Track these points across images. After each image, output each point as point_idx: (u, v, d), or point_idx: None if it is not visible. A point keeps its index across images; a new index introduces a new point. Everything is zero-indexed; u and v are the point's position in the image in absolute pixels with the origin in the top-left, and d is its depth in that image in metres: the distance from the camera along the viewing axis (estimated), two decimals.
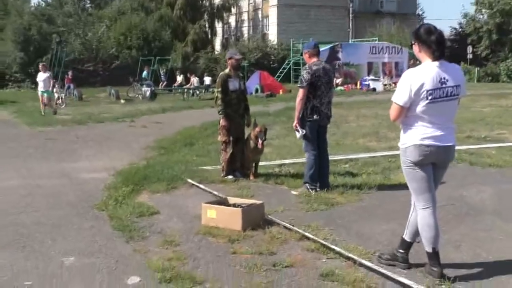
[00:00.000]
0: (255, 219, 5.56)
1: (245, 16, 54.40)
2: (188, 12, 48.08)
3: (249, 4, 52.96)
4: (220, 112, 7.71)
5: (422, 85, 4.04)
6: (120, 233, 5.41)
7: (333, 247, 4.85)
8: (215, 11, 50.98)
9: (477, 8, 39.96)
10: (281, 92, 28.49)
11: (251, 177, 7.78)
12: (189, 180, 7.58)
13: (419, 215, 4.24)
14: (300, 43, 39.11)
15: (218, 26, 54.15)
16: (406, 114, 4.16)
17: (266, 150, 9.99)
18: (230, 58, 7.97)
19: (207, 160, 9.16)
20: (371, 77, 33.14)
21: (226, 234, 5.28)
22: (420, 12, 64.68)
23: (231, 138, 7.84)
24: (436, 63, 4.09)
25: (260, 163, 8.42)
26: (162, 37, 40.28)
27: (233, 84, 7.82)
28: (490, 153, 9.45)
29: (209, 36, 50.58)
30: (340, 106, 18.25)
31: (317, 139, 7.05)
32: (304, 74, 6.89)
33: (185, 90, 27.33)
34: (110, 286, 4.14)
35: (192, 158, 9.45)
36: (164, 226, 5.66)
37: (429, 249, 4.20)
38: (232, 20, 55.78)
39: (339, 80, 32.23)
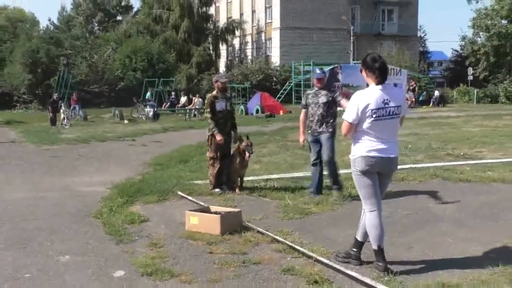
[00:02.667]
0: (233, 225, 6.20)
1: (248, 39, 55.45)
2: (193, 35, 49.18)
3: (252, 27, 54.04)
4: (213, 130, 8.36)
5: (367, 105, 4.73)
6: (112, 237, 6.07)
7: (298, 248, 5.49)
8: (219, 33, 52.11)
9: (475, 31, 40.76)
10: (281, 113, 29.19)
11: (237, 191, 8.42)
12: (179, 193, 8.25)
13: (367, 217, 4.90)
14: (301, 65, 40.10)
15: (222, 48, 55.21)
16: (355, 130, 4.83)
17: (256, 167, 10.73)
18: (216, 81, 8.65)
19: (199, 175, 9.80)
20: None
21: (206, 238, 5.93)
22: (422, 35, 65.85)
23: (218, 154, 8.47)
24: (380, 86, 4.78)
25: (248, 178, 9.11)
26: (167, 59, 41.27)
27: (220, 105, 8.46)
28: (464, 170, 10.05)
29: (213, 58, 51.57)
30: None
31: (317, 151, 8.05)
32: (302, 99, 8.25)
33: (188, 110, 28.11)
34: (98, 278, 4.80)
35: (185, 174, 10.11)
36: (151, 232, 6.31)
37: (375, 246, 4.85)
38: (236, 42, 56.84)
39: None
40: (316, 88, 8.03)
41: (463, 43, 47.67)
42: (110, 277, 4.84)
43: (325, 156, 7.95)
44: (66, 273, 4.92)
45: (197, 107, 28.15)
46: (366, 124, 4.77)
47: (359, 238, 5.05)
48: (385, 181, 5.00)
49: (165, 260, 5.23)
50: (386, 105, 4.76)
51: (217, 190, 8.40)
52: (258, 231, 6.13)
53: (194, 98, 29.60)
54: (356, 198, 7.65)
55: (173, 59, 43.93)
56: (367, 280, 4.55)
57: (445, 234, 6.13)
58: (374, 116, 4.73)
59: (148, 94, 30.25)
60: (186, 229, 6.29)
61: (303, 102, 8.17)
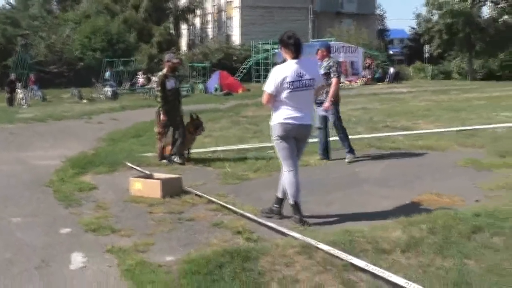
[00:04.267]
0: (174, 189, 6.81)
1: (209, 18, 55.60)
2: (153, 14, 49.03)
3: (213, 6, 54.18)
4: (160, 108, 8.94)
5: (284, 78, 5.38)
6: (61, 202, 6.62)
7: (228, 206, 6.15)
8: (179, 13, 52.08)
9: (428, 9, 41.86)
10: (240, 91, 29.74)
11: (185, 162, 9.00)
12: (128, 164, 8.81)
13: (285, 176, 5.58)
14: (260, 43, 40.62)
15: (184, 27, 55.25)
16: (275, 100, 5.48)
17: (206, 140, 11.34)
18: (168, 61, 9.12)
19: (149, 148, 10.33)
20: None
21: (148, 201, 6.53)
22: (381, 13, 67.00)
23: (166, 130, 9.07)
24: (296, 60, 5.44)
25: (197, 150, 9.76)
26: (127, 39, 41.20)
27: (170, 84, 8.99)
28: (397, 139, 10.88)
29: (175, 37, 51.59)
30: None
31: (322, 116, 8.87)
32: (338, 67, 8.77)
33: (146, 90, 28.41)
34: (46, 234, 5.37)
35: (137, 147, 10.66)
36: (99, 197, 6.88)
37: (292, 201, 5.54)
38: (197, 21, 56.90)
39: None
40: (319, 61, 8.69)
41: (415, 22, 48.96)
42: (57, 233, 5.42)
43: (330, 124, 8.90)
44: (18, 231, 5.48)
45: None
46: (284, 95, 5.41)
47: (279, 195, 5.73)
48: (301, 146, 5.68)
49: (108, 220, 5.82)
50: (301, 78, 5.41)
51: (164, 161, 8.99)
52: (196, 194, 6.76)
53: (152, 77, 29.84)
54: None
55: (134, 38, 43.80)
56: (283, 230, 5.23)
57: (365, 193, 6.89)
58: (290, 87, 5.38)
59: (107, 74, 30.38)
60: (131, 194, 6.88)
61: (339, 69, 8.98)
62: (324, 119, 8.88)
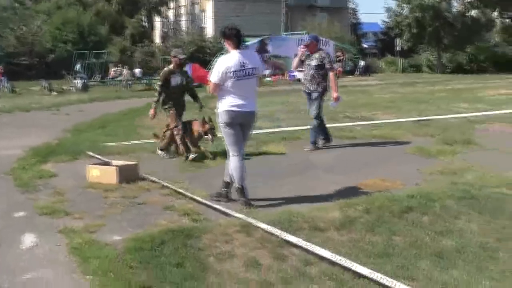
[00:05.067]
0: (130, 176, 7.07)
1: (183, 10, 55.56)
2: (126, 7, 48.93)
3: None
4: (152, 103, 8.77)
5: (228, 68, 5.68)
6: (20, 189, 6.83)
7: (180, 190, 6.44)
8: (152, 5, 51.98)
9: (398, 3, 42.49)
10: None
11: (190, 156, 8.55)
12: (89, 153, 9.02)
13: (231, 161, 5.89)
14: None
15: (157, 20, 55.16)
16: (220, 88, 5.77)
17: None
18: (174, 57, 8.80)
19: (113, 139, 10.58)
20: (298, 68, 34.99)
21: (104, 187, 6.76)
22: (354, 6, 67.62)
23: (178, 122, 8.72)
24: (238, 51, 5.74)
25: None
26: (98, 31, 41.04)
27: (175, 80, 8.65)
28: (354, 129, 11.27)
29: (148, 30, 51.51)
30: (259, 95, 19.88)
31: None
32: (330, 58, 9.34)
33: (117, 82, 28.49)
34: (0, 218, 5.60)
35: (101, 138, 10.84)
36: (57, 184, 7.09)
37: (238, 185, 5.86)
38: (170, 14, 56.83)
39: (267, 72, 34.01)
40: (308, 53, 9.13)
41: (385, 15, 49.68)
42: (10, 217, 5.65)
43: (312, 112, 9.21)
44: None
45: (126, 78, 28.54)
46: (228, 84, 5.72)
47: (226, 179, 6.04)
48: (246, 132, 5.99)
49: (63, 204, 6.06)
50: (244, 67, 5.72)
51: (191, 155, 8.48)
52: (151, 180, 7.03)
53: (123, 69, 29.94)
54: (252, 155, 8.82)
55: (106, 31, 43.66)
56: (228, 211, 5.54)
57: (314, 179, 7.23)
58: (234, 76, 5.68)
59: (78, 66, 30.34)
60: (88, 181, 7.11)
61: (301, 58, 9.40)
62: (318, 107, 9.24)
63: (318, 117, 9.20)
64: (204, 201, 5.97)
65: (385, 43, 58.24)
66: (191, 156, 8.47)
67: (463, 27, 40.88)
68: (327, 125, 9.72)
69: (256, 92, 6.04)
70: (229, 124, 5.80)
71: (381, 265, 4.18)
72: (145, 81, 30.20)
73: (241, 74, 5.70)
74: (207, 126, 8.62)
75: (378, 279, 3.84)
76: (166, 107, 8.78)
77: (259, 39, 36.26)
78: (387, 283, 3.79)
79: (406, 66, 46.14)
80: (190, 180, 7.21)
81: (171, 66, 8.84)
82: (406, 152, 8.85)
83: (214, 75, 5.73)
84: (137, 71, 31.46)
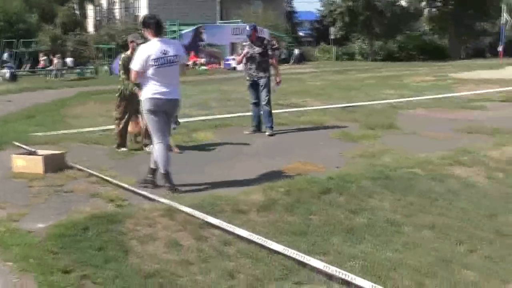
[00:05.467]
0: (57, 165, 7.04)
1: None
2: None
3: None
4: (134, 88, 7.95)
5: (149, 56, 5.78)
6: None
7: (106, 178, 6.49)
8: None
9: None
10: None
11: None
12: (16, 143, 8.88)
13: (155, 148, 6.01)
14: (167, 24, 40.40)
15: (90, 8, 53.79)
16: (143, 76, 5.87)
17: (100, 119, 11.53)
18: (132, 42, 8.30)
19: (41, 129, 10.42)
20: (233, 56, 35.19)
21: (30, 177, 6.71)
22: None
23: (124, 115, 8.43)
24: (157, 39, 5.85)
25: (90, 128, 9.98)
26: (27, 19, 39.71)
27: None
28: (283, 116, 11.56)
29: (79, 18, 50.21)
30: (191, 83, 19.96)
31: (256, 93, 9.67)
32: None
33: (48, 71, 27.78)
34: None
35: (29, 128, 10.67)
36: None
37: (163, 171, 5.98)
38: (104, 1, 55.53)
39: (203, 60, 34.04)
40: (249, 41, 9.41)
41: (319, 4, 50.59)
42: None
43: (264, 99, 9.51)
44: None
45: (57, 67, 27.88)
46: (150, 71, 5.82)
47: (151, 165, 6.15)
48: (169, 119, 6.12)
49: None
50: (165, 55, 5.83)
51: (123, 149, 8.44)
52: (78, 169, 7.04)
53: (54, 58, 29.20)
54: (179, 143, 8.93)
55: (35, 19, 42.28)
56: (152, 196, 5.66)
57: (241, 164, 7.43)
58: (156, 64, 5.79)
59: (6, 55, 29.35)
60: (14, 171, 7.04)
61: (240, 50, 9.92)
62: (256, 94, 9.57)
63: (270, 102, 9.58)
64: (130, 187, 6.06)
65: (320, 31, 59.08)
66: (123, 149, 8.42)
67: (392, 16, 42.14)
68: (244, 114, 10.04)
69: (179, 80, 6.15)
70: (153, 112, 5.91)
71: (296, 242, 4.43)
72: (77, 70, 29.54)
73: (163, 61, 5.81)
74: None
75: (291, 255, 4.09)
76: (121, 93, 8.41)
77: (194, 27, 36.17)
78: (300, 258, 4.04)
79: (340, 54, 47.06)
80: (118, 168, 7.26)
81: (128, 52, 8.38)
82: (330, 137, 9.20)
83: (136, 63, 5.82)
84: (69, 60, 30.71)
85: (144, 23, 5.90)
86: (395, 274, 3.88)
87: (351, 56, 47.13)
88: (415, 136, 9.16)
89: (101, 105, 14.32)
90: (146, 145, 8.29)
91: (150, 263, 4.09)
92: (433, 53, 43.58)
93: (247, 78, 9.71)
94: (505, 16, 34.92)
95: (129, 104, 8.34)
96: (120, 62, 8.52)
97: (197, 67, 33.22)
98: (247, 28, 9.82)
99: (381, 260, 4.08)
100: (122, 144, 8.51)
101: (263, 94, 9.53)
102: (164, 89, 5.86)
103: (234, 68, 32.87)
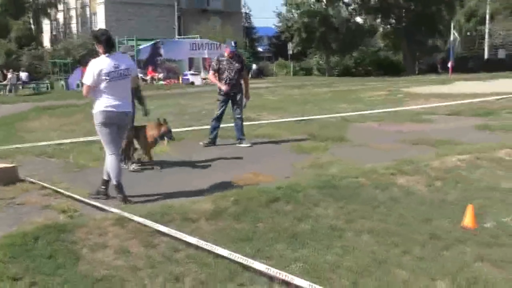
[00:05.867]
0: (8, 178, 7.05)
1: (73, 13, 54.06)
2: (10, 8, 46.85)
3: (76, 1, 52.73)
4: None
5: (101, 70, 5.93)
6: None
7: (58, 190, 6.56)
8: (40, 7, 50.16)
9: (288, 8, 44.12)
10: None
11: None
12: None
13: (108, 159, 6.14)
14: (125, 40, 40.33)
15: (46, 22, 53.27)
16: (95, 90, 6.01)
17: (53, 134, 11.52)
18: (123, 53, 7.85)
19: None
20: (192, 71, 35.45)
21: None
22: (247, 11, 68.97)
23: None
24: (107, 54, 6.01)
25: (41, 143, 9.96)
26: None
27: None
28: None
29: (35, 32, 49.63)
30: (149, 98, 19.95)
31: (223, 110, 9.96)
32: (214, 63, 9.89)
33: (2, 86, 27.39)
34: None
35: None
36: None
37: (115, 182, 6.11)
38: (60, 16, 55.08)
39: (161, 75, 34.10)
40: (226, 57, 9.66)
41: (276, 20, 51.46)
42: None
43: (239, 113, 9.92)
44: None
45: (11, 82, 27.51)
46: (102, 85, 5.97)
47: (104, 177, 6.27)
48: (121, 131, 6.26)
49: None
50: (117, 69, 6.01)
51: (133, 166, 8.05)
52: (31, 182, 7.09)
53: (7, 73, 28.80)
54: None
55: None
56: (105, 207, 5.78)
57: (194, 175, 7.61)
58: (107, 78, 5.94)
59: None
60: None
61: (215, 66, 9.75)
62: (224, 109, 9.91)
63: (242, 116, 10.00)
64: (82, 198, 6.15)
65: (278, 47, 59.96)
66: (133, 167, 8.00)
67: (348, 32, 43.15)
68: (198, 128, 10.19)
69: (130, 93, 6.30)
70: (105, 124, 6.04)
71: (242, 248, 4.63)
72: (32, 85, 29.19)
73: (115, 75, 5.97)
74: (163, 128, 8.09)
75: (236, 259, 4.28)
76: None
77: (151, 42, 36.22)
78: (243, 262, 4.23)
79: (297, 69, 47.88)
80: (72, 180, 7.34)
81: None
82: (283, 149, 9.46)
83: (88, 78, 5.96)
84: (23, 75, 30.33)
85: (95, 38, 6.07)
86: (333, 275, 4.11)
87: (308, 71, 47.99)
88: (363, 147, 9.50)
89: (56, 120, 14.30)
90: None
91: (100, 269, 4.22)
92: (388, 69, 44.78)
93: (222, 93, 9.79)
94: (453, 33, 36.16)
95: None
96: None
97: (155, 82, 33.26)
98: (232, 44, 10.00)
99: (321, 263, 4.31)
100: (128, 159, 8.07)
101: (239, 109, 9.88)
102: (116, 102, 6.01)
103: (193, 83, 33.15)
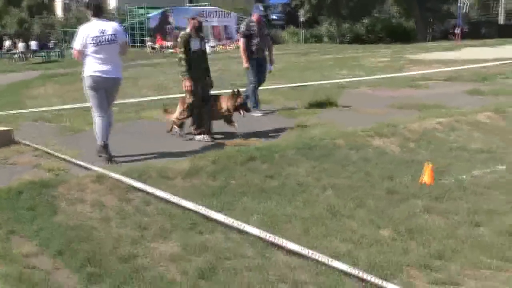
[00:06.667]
0: (4, 141, 7.42)
1: None
2: None
3: None
4: (184, 74, 7.48)
5: (88, 35, 6.23)
6: None
7: (49, 151, 6.93)
8: None
9: None
10: None
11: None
12: None
13: (96, 121, 6.49)
14: (135, 8, 40.46)
15: None
16: (84, 55, 6.31)
17: (54, 100, 11.88)
18: (193, 19, 7.81)
19: None
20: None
21: None
22: None
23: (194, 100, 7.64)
24: (96, 18, 6.29)
25: (41, 109, 10.31)
26: None
27: (195, 44, 7.62)
28: None
29: (47, 1, 49.80)
30: (156, 66, 20.31)
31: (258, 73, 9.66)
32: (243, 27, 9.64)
33: (11, 54, 27.83)
34: None
35: None
36: None
37: (101, 142, 6.46)
38: None
39: (170, 43, 34.26)
40: (255, 22, 9.49)
41: None
42: None
43: (264, 78, 9.85)
44: None
45: (21, 50, 27.92)
46: (90, 50, 6.29)
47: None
48: (111, 96, 6.56)
49: None
50: (103, 33, 6.29)
51: (198, 137, 7.72)
52: (25, 144, 7.46)
53: (17, 42, 29.20)
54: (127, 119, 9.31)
55: (2, 2, 41.98)
56: (89, 165, 6.13)
57: (182, 139, 7.88)
58: (94, 42, 6.24)
59: None
60: None
61: (246, 32, 9.44)
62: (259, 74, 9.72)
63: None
64: (69, 158, 6.51)
65: (290, 14, 59.50)
66: (205, 138, 7.63)
67: None
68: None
69: (119, 59, 6.56)
70: (93, 88, 6.38)
71: (211, 202, 4.96)
72: (43, 54, 29.58)
73: (101, 39, 6.27)
74: (238, 99, 7.88)
75: (199, 210, 4.62)
76: (184, 75, 7.53)
77: (161, 10, 36.30)
78: (205, 213, 4.57)
79: (308, 36, 47.63)
80: (64, 143, 7.67)
81: (187, 30, 7.74)
82: (274, 114, 9.72)
83: (77, 42, 6.30)
84: (33, 43, 30.73)
85: (86, 3, 6.39)
86: (288, 225, 4.43)
87: (319, 39, 47.73)
88: (351, 112, 9.74)
89: (59, 87, 14.68)
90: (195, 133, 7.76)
91: (74, 220, 4.59)
92: (400, 36, 44.31)
93: (253, 56, 9.46)
94: None
95: (198, 85, 7.62)
96: (179, 40, 7.70)
97: (164, 51, 33.46)
98: (260, 7, 10.02)
99: (280, 214, 4.64)
100: (204, 131, 7.74)
101: (264, 74, 9.85)
102: (103, 68, 6.31)
103: None
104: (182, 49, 7.53)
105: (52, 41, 35.00)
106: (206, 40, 8.91)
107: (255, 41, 9.49)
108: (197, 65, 7.63)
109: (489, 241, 3.97)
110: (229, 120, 7.94)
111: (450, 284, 3.39)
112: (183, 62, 7.50)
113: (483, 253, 3.78)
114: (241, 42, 9.54)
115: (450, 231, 4.17)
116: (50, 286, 3.46)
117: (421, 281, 3.46)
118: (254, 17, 9.63)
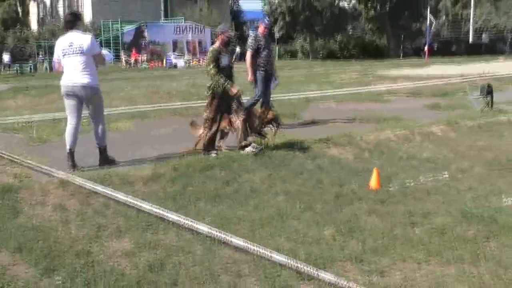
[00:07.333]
0: None
1: None
2: None
3: None
4: (225, 84, 7.31)
5: (59, 46, 6.72)
6: None
7: (16, 157, 7.13)
8: None
9: None
10: None
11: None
12: None
13: (67, 128, 6.78)
14: (109, 22, 40.64)
15: (33, 4, 53.35)
16: (60, 65, 6.67)
17: (25, 112, 12.04)
18: (221, 33, 7.62)
19: None
20: (175, 54, 35.90)
21: None
22: None
23: (217, 115, 7.52)
24: (68, 32, 6.65)
25: (13, 118, 10.45)
26: None
27: (224, 60, 7.49)
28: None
29: (21, 15, 49.75)
30: (128, 80, 20.52)
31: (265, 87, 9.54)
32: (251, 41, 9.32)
33: None
34: None
35: None
36: None
37: (68, 149, 6.71)
38: None
39: (144, 57, 34.53)
40: (261, 35, 9.35)
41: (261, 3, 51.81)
42: None
43: (270, 93, 9.78)
44: None
45: None
46: (62, 61, 6.70)
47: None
48: (92, 105, 6.87)
49: None
50: (71, 46, 6.63)
51: (213, 153, 7.44)
52: None
53: None
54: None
55: None
56: (53, 171, 6.34)
57: (147, 147, 8.15)
58: (63, 53, 6.65)
59: None
60: None
61: (254, 45, 9.21)
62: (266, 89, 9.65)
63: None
64: (34, 165, 6.73)
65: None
66: (213, 155, 7.36)
67: (331, 16, 43.56)
68: (166, 105, 10.63)
69: (93, 68, 6.78)
70: (65, 96, 6.79)
71: (166, 205, 5.22)
72: (16, 67, 29.59)
73: (69, 51, 6.68)
74: (270, 114, 7.95)
75: (155, 212, 4.88)
76: (226, 86, 7.35)
77: (136, 25, 36.60)
78: (160, 214, 4.83)
79: (283, 52, 48.31)
80: (31, 152, 7.88)
81: (216, 44, 7.60)
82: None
83: (54, 54, 6.91)
84: (6, 57, 30.71)
85: (64, 18, 6.88)
86: (238, 226, 4.71)
87: (293, 54, 48.46)
88: (312, 124, 10.11)
89: (30, 99, 14.82)
90: (241, 147, 7.42)
91: (34, 221, 4.82)
92: (373, 53, 45.26)
93: (262, 69, 9.36)
94: (430, 17, 36.71)
95: (222, 101, 7.45)
96: (209, 55, 7.58)
97: (139, 65, 33.69)
98: (266, 20, 9.98)
99: (231, 217, 4.92)
100: (211, 147, 7.54)
101: (270, 88, 9.77)
102: (71, 76, 6.70)
103: (175, 66, 33.60)
104: (212, 65, 7.35)
105: (28, 55, 35.01)
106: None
107: (264, 53, 9.31)
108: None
109: (419, 239, 4.31)
110: (260, 134, 7.93)
111: (377, 275, 3.70)
112: (217, 77, 7.31)
113: (413, 249, 4.11)
114: (248, 56, 9.31)
115: (386, 231, 4.50)
116: (7, 278, 3.68)
117: (352, 273, 3.76)
118: (260, 29, 9.43)
